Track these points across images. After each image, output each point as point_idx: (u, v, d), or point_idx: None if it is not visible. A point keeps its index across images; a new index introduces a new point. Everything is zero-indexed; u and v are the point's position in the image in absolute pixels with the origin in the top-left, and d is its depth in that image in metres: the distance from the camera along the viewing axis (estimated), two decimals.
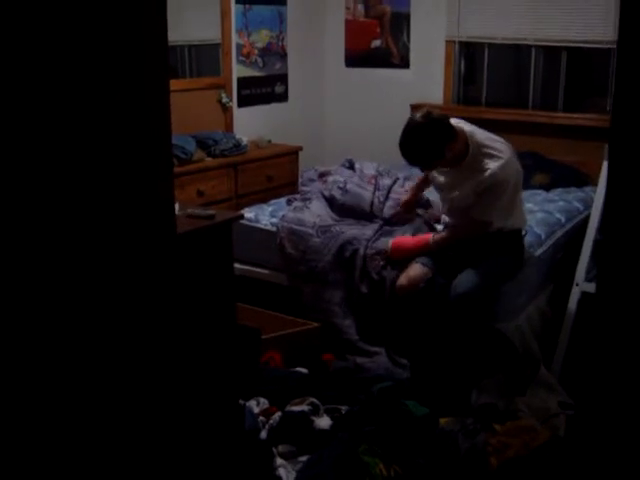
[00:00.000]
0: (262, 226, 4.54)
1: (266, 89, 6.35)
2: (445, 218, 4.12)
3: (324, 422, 3.29)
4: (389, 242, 4.10)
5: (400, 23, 6.51)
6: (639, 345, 1.79)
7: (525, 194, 4.28)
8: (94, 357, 1.83)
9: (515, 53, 6.28)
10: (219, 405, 2.99)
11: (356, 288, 4.10)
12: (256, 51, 6.17)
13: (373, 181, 4.58)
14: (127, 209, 1.85)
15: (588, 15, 5.62)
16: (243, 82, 6.09)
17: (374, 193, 4.48)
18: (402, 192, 4.52)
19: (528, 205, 4.60)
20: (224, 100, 5.83)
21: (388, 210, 4.41)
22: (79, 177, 1.72)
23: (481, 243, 3.86)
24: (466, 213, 3.84)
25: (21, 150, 1.60)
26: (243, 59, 6.06)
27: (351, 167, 4.85)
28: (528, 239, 4.13)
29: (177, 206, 2.63)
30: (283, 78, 6.51)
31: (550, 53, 6.00)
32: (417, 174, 4.46)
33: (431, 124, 3.61)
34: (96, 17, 1.69)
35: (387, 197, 4.49)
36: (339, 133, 6.91)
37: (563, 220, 4.66)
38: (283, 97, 6.54)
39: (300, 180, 5.19)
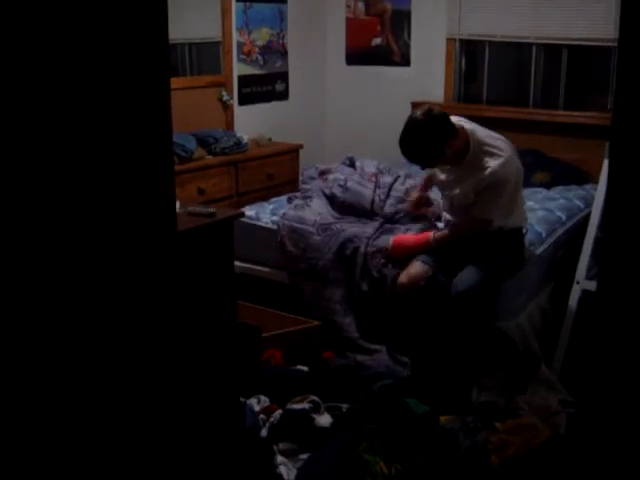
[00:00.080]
0: (263, 224, 4.54)
1: (267, 87, 6.35)
2: (446, 215, 4.12)
3: (325, 420, 3.29)
4: (390, 240, 4.10)
5: (401, 21, 6.51)
6: (639, 343, 1.79)
7: (526, 192, 4.28)
8: (95, 355, 1.83)
9: (516, 51, 6.28)
10: (220, 403, 2.99)
11: (357, 286, 4.10)
12: (257, 49, 6.17)
13: (374, 179, 4.58)
14: (128, 207, 1.85)
15: (589, 13, 5.61)
16: (244, 80, 6.09)
17: (375, 191, 4.48)
18: (403, 190, 4.52)
19: (529, 203, 4.60)
20: (225, 98, 5.83)
21: (389, 208, 4.41)
22: (80, 175, 1.72)
23: (482, 241, 3.86)
24: (467, 211, 3.84)
25: (23, 148, 1.60)
26: (244, 57, 6.06)
27: (352, 165, 4.85)
28: (529, 237, 4.13)
29: (178, 204, 2.63)
30: (284, 76, 6.50)
31: (551, 51, 6.00)
32: (418, 172, 4.46)
33: (431, 121, 3.61)
34: (97, 15, 1.69)
35: (388, 195, 4.49)
36: (340, 131, 6.91)
37: (564, 218, 4.66)
38: (284, 95, 6.54)
39: (301, 178, 5.19)
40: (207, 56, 6.02)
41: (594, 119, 5.51)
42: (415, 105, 6.21)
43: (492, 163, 3.66)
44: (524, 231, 4.01)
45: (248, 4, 6.00)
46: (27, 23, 1.56)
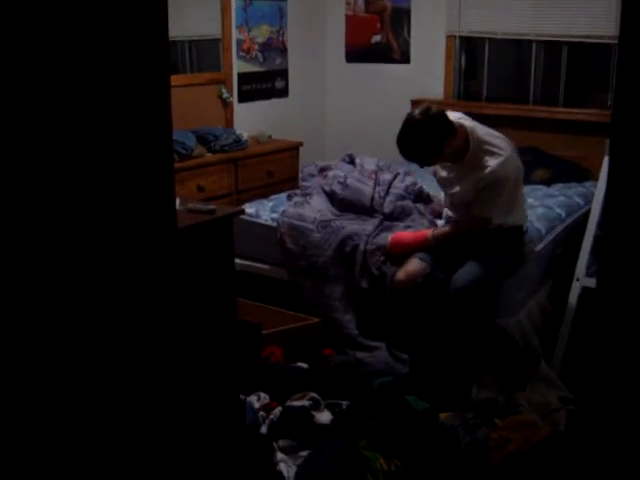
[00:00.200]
0: (262, 221, 4.54)
1: (266, 84, 6.35)
2: (448, 212, 4.13)
3: (324, 417, 3.29)
4: (388, 237, 4.11)
5: (400, 18, 6.51)
6: (639, 340, 1.80)
7: (526, 189, 4.28)
8: (94, 353, 1.83)
9: (516, 48, 6.28)
10: (220, 400, 2.99)
11: (356, 283, 4.11)
12: (256, 46, 6.17)
13: (373, 176, 4.58)
14: (128, 204, 1.85)
15: (589, 10, 5.62)
16: (243, 77, 6.09)
17: (375, 188, 4.48)
18: (402, 187, 4.52)
19: (529, 200, 4.60)
20: (224, 95, 5.83)
21: (388, 205, 4.41)
22: (80, 172, 1.72)
23: (481, 239, 3.86)
24: (466, 209, 3.84)
25: (22, 145, 1.60)
26: (243, 54, 6.06)
27: (351, 162, 4.85)
28: (528, 234, 4.13)
29: (177, 201, 2.63)
30: (283, 73, 6.50)
31: (551, 48, 6.00)
32: (417, 169, 4.46)
33: (429, 121, 3.61)
34: (97, 12, 1.69)
35: (388, 192, 4.49)
36: (339, 128, 6.91)
37: (563, 215, 4.66)
38: (283, 92, 6.54)
39: (300, 175, 5.19)
40: (207, 53, 6.02)
41: (594, 116, 5.51)
42: (415, 102, 6.22)
43: (492, 162, 3.66)
44: (524, 229, 4.01)
45: (248, 1, 6.00)
46: (26, 19, 1.56)
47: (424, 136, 3.61)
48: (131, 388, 1.94)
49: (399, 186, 4.54)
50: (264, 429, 3.25)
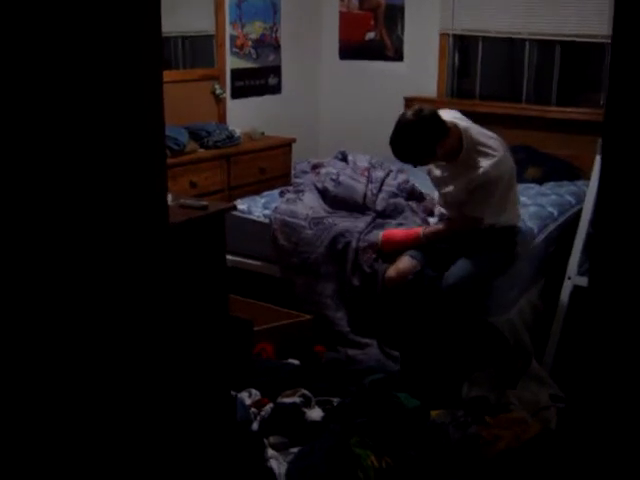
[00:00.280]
0: (255, 218, 4.54)
1: (259, 81, 6.34)
2: (441, 209, 4.13)
3: (316, 414, 3.29)
4: (380, 234, 4.11)
5: (394, 15, 6.51)
6: (630, 339, 1.80)
7: (518, 188, 4.28)
8: (84, 349, 1.83)
9: (509, 47, 6.28)
10: (211, 396, 2.99)
11: (348, 280, 4.11)
12: (250, 43, 6.16)
13: (366, 173, 4.58)
14: (119, 200, 1.85)
15: (582, 9, 5.62)
16: (236, 74, 6.08)
17: (367, 185, 4.49)
18: (395, 185, 4.53)
19: (521, 199, 4.60)
20: (217, 91, 5.82)
21: (381, 202, 4.41)
22: (72, 168, 1.72)
23: (473, 238, 3.87)
24: (459, 208, 3.85)
25: (13, 140, 1.60)
26: (237, 51, 6.05)
27: (344, 159, 4.85)
28: (521, 233, 4.13)
29: (170, 197, 2.63)
30: (276, 70, 6.50)
31: (544, 47, 6.01)
32: (410, 167, 4.46)
33: (421, 122, 3.61)
34: (90, 8, 1.68)
35: (380, 189, 4.49)
36: (332, 125, 6.91)
37: (555, 214, 4.67)
38: (276, 89, 6.53)
39: (293, 172, 5.19)
40: (200, 49, 6.01)
41: (586, 115, 5.53)
42: (408, 100, 6.25)
43: (485, 163, 3.67)
44: (517, 229, 4.01)
45: None
46: (18, 13, 1.56)
47: (417, 137, 3.62)
48: (122, 384, 1.94)
49: (392, 184, 4.54)
50: (255, 425, 3.25)
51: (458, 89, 6.50)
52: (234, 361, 3.43)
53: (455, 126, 3.72)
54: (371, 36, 6.66)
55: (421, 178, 4.60)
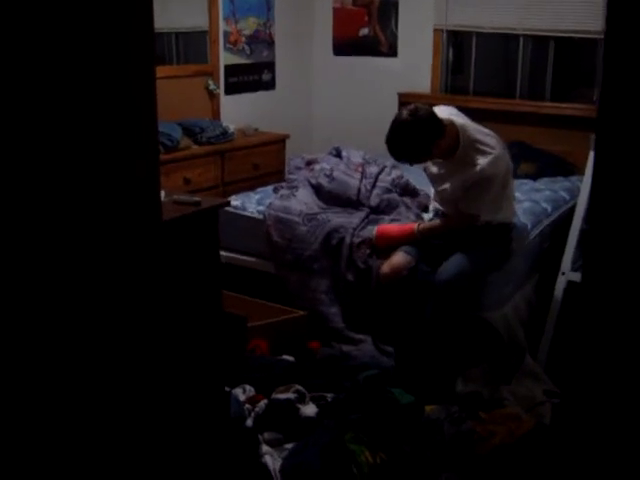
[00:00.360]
0: (249, 214, 4.53)
1: (253, 77, 6.33)
2: (436, 205, 4.12)
3: (310, 410, 3.29)
4: (374, 230, 4.11)
5: (388, 11, 6.50)
6: (624, 334, 1.80)
7: (514, 184, 4.29)
8: (77, 346, 1.83)
9: (503, 42, 6.28)
10: (205, 392, 2.99)
11: (342, 276, 4.11)
12: (243, 38, 6.15)
13: (360, 169, 4.58)
14: (112, 196, 1.84)
15: (576, 5, 5.62)
16: (230, 70, 6.07)
17: (361, 181, 4.48)
18: (389, 180, 4.53)
19: (515, 195, 4.61)
20: (211, 87, 5.82)
21: (375, 198, 4.41)
22: (64, 165, 1.71)
23: (468, 234, 3.86)
24: (455, 205, 3.85)
25: (5, 138, 1.59)
26: (230, 46, 6.04)
27: (338, 155, 4.84)
28: (515, 229, 4.13)
29: (163, 193, 2.62)
30: (270, 66, 6.49)
31: (538, 43, 6.01)
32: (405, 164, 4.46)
33: (417, 122, 3.59)
34: (81, 3, 1.68)
35: (374, 185, 4.49)
36: (326, 121, 6.90)
37: (549, 209, 4.67)
38: (270, 85, 6.52)
39: (287, 168, 5.19)
40: (194, 45, 6.00)
41: (580, 111, 5.52)
42: (402, 96, 6.24)
43: (482, 161, 3.66)
44: (512, 226, 4.01)
45: None
46: (10, 12, 1.55)
47: (412, 137, 3.60)
48: (116, 381, 1.94)
49: (386, 179, 4.54)
50: (249, 422, 3.25)
51: (452, 85, 6.50)
52: (228, 357, 3.43)
53: (452, 123, 3.71)
54: (365, 32, 6.65)
55: (415, 174, 4.59)
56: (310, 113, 6.99)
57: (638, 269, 1.74)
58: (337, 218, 4.25)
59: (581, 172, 4.65)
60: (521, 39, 6.03)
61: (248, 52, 6.22)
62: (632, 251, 1.74)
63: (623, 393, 1.85)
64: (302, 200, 4.40)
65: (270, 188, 4.85)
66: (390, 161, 4.70)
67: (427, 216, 4.31)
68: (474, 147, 3.69)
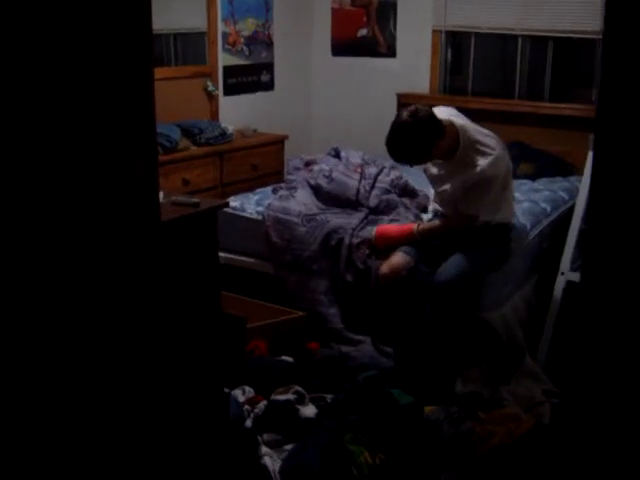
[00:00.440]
0: (248, 215, 4.53)
1: (252, 78, 6.33)
2: (436, 206, 4.12)
3: (309, 411, 3.29)
4: (373, 230, 4.11)
5: (387, 12, 6.50)
6: (623, 334, 1.80)
7: (514, 185, 4.29)
8: (75, 348, 1.83)
9: (501, 43, 6.28)
10: (204, 394, 2.99)
11: (341, 277, 4.11)
12: (242, 39, 6.15)
13: (359, 170, 4.58)
14: (111, 197, 1.84)
15: (575, 5, 5.63)
16: (229, 71, 6.07)
17: (360, 182, 4.48)
18: (388, 181, 4.53)
19: (515, 195, 4.61)
20: (210, 88, 5.82)
21: (374, 199, 4.41)
22: (63, 166, 1.71)
23: (468, 235, 3.86)
24: (454, 206, 3.84)
25: (3, 140, 1.59)
26: (229, 47, 6.04)
27: (337, 156, 4.84)
28: (515, 229, 4.13)
29: (161, 194, 2.62)
30: (269, 67, 6.49)
31: (536, 43, 6.01)
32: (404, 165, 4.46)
33: (417, 123, 3.59)
34: (79, 5, 1.68)
35: (373, 186, 4.49)
36: (325, 122, 6.90)
37: (548, 210, 4.68)
38: (269, 86, 6.52)
39: (286, 169, 5.19)
40: (192, 46, 6.00)
41: (579, 111, 5.53)
42: (401, 96, 6.24)
43: (482, 161, 3.66)
44: (511, 226, 4.01)
45: None
46: (5, 12, 1.55)
47: (412, 139, 3.60)
48: (115, 382, 1.94)
49: (385, 180, 4.54)
50: (249, 423, 3.25)
51: (451, 85, 6.50)
52: (227, 358, 3.43)
53: (452, 124, 3.70)
54: (363, 33, 6.65)
55: (414, 174, 4.59)
56: (309, 114, 6.99)
57: (637, 269, 1.74)
58: (336, 219, 4.25)
59: (580, 172, 4.65)
60: (519, 39, 6.03)
61: (247, 53, 6.22)
62: (631, 251, 1.74)
63: (622, 393, 1.85)
64: (301, 201, 4.40)
65: (269, 189, 4.85)
66: (389, 162, 4.70)
67: (426, 217, 4.32)
68: (474, 148, 3.69)
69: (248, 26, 6.19)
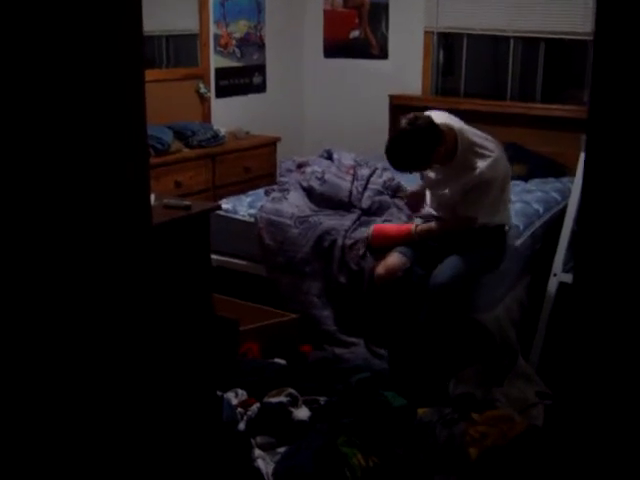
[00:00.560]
0: (240, 217, 4.52)
1: (244, 80, 6.33)
2: (431, 211, 4.10)
3: (302, 413, 3.29)
4: (370, 228, 4.11)
5: (379, 13, 6.50)
6: (615, 335, 1.80)
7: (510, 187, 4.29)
8: (66, 351, 1.82)
9: (493, 44, 6.29)
10: (197, 396, 2.99)
11: (334, 279, 4.10)
12: (234, 41, 6.14)
13: (351, 171, 4.57)
14: (101, 200, 1.83)
15: (566, 7, 5.64)
16: (221, 73, 6.06)
17: (353, 183, 4.48)
18: (380, 182, 4.53)
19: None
20: (202, 90, 5.81)
21: (366, 200, 4.41)
22: (52, 169, 1.70)
23: (464, 237, 3.86)
24: (453, 208, 3.84)
25: None
26: (221, 49, 6.03)
27: (329, 157, 4.84)
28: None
29: (153, 197, 2.62)
30: (261, 69, 6.48)
31: (528, 44, 6.02)
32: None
33: (417, 131, 3.58)
34: (68, 6, 1.67)
35: (366, 187, 4.49)
36: (317, 124, 6.90)
37: (541, 211, 4.68)
38: (261, 88, 6.52)
39: (278, 171, 5.18)
40: (184, 48, 5.99)
41: (571, 112, 5.53)
42: (393, 98, 6.25)
43: (481, 164, 3.66)
44: (506, 228, 4.01)
45: None
46: None
47: (413, 147, 3.59)
48: (107, 385, 1.93)
49: (377, 181, 4.54)
50: (242, 425, 3.24)
51: (443, 87, 6.51)
52: (220, 361, 3.43)
53: (450, 128, 3.70)
54: (356, 34, 6.65)
55: (406, 176, 4.59)
56: (301, 116, 6.99)
57: (629, 270, 1.74)
58: (329, 220, 4.25)
59: (572, 173, 4.65)
60: (511, 41, 6.04)
61: (239, 55, 6.22)
62: (623, 252, 1.74)
63: (615, 394, 1.84)
64: (294, 203, 4.39)
65: (261, 191, 4.84)
66: (381, 163, 4.70)
67: (419, 220, 4.31)
68: (472, 150, 3.69)
69: (240, 28, 6.19)
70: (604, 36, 1.69)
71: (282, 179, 4.80)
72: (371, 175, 4.58)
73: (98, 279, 1.86)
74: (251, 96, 6.40)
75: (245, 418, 3.27)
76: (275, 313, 4.09)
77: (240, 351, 3.77)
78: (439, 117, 3.75)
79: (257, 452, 3.08)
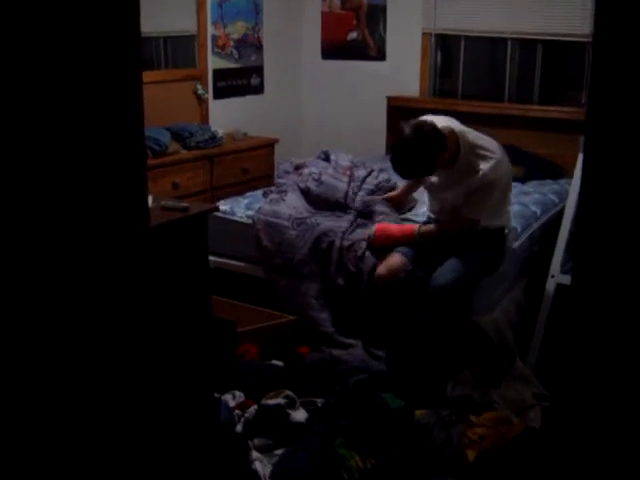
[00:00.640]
0: (238, 219, 4.52)
1: (242, 81, 6.32)
2: (431, 215, 4.09)
3: (300, 415, 3.29)
4: (373, 227, 4.10)
5: (376, 15, 6.51)
6: (613, 337, 1.80)
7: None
8: (64, 353, 1.81)
9: (491, 46, 6.30)
10: (195, 398, 2.98)
11: (332, 280, 4.10)
12: (232, 43, 6.14)
13: (348, 172, 4.57)
14: (99, 202, 1.83)
15: (564, 8, 5.64)
16: (219, 74, 6.06)
17: (349, 184, 4.48)
18: (374, 183, 4.52)
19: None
20: (200, 92, 5.81)
21: (359, 201, 4.40)
22: (49, 170, 1.70)
23: (465, 239, 3.85)
24: (455, 211, 3.83)
25: None
26: (219, 51, 6.03)
27: (326, 159, 4.84)
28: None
29: (150, 198, 2.61)
30: (259, 70, 6.48)
31: (526, 46, 6.02)
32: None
33: (422, 139, 3.57)
34: (66, 7, 1.67)
35: (361, 188, 4.48)
36: (315, 125, 6.90)
37: (539, 213, 4.67)
38: (259, 89, 6.52)
39: (276, 172, 5.18)
40: (182, 50, 5.99)
41: (568, 114, 5.53)
42: (391, 99, 6.25)
43: (483, 166, 3.65)
44: (506, 231, 4.00)
45: None
46: None
47: (417, 155, 3.58)
48: (105, 386, 1.93)
49: (372, 182, 4.53)
50: (239, 427, 3.24)
51: (440, 88, 6.51)
52: (218, 363, 3.42)
53: (452, 132, 3.69)
54: (353, 36, 6.66)
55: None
56: (299, 117, 6.99)
57: (627, 272, 1.74)
58: (326, 222, 4.25)
59: (570, 175, 4.65)
60: (509, 42, 6.04)
61: (236, 56, 6.22)
62: (621, 254, 1.74)
63: (613, 396, 1.84)
64: (291, 204, 4.39)
65: (259, 192, 4.84)
66: (378, 164, 4.71)
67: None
68: (475, 153, 3.68)
69: (238, 29, 6.19)
70: (603, 38, 1.69)
71: (280, 180, 4.80)
72: (367, 176, 4.58)
73: (96, 281, 1.85)
74: (249, 97, 6.40)
75: (242, 420, 3.27)
76: (273, 315, 4.09)
77: (238, 353, 3.77)
78: (441, 121, 3.74)
79: (254, 454, 3.08)
